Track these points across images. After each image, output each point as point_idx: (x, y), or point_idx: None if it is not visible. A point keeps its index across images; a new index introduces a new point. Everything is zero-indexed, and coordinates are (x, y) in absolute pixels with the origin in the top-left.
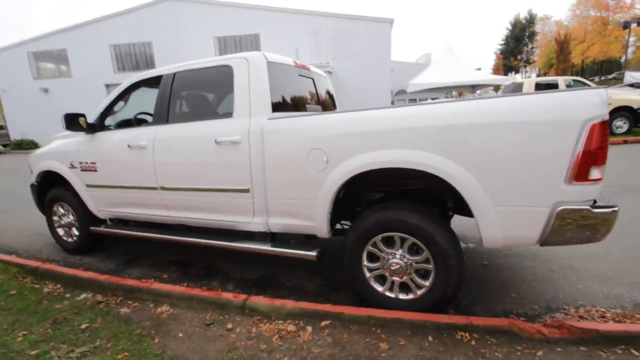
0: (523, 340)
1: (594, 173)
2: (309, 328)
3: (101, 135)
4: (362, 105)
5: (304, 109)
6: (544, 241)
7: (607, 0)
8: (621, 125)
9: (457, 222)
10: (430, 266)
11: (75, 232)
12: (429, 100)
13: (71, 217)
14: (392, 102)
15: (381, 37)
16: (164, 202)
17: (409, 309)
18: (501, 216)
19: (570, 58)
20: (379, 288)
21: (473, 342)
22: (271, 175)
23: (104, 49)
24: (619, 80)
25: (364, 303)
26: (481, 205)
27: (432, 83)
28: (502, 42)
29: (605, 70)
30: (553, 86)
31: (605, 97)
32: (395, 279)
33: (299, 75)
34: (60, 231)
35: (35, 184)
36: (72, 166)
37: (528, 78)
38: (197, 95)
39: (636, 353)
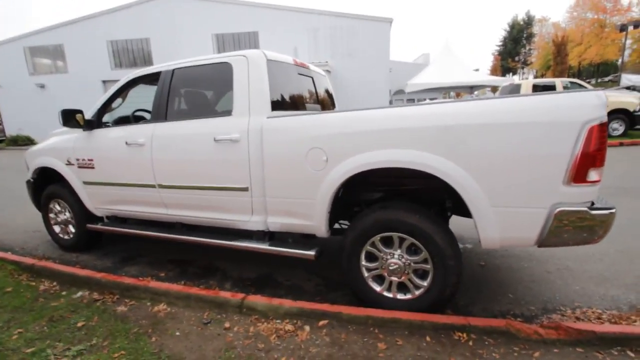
0: (520, 340)
1: (592, 175)
2: (307, 327)
3: (99, 132)
4: (360, 105)
5: (303, 108)
6: (542, 242)
7: (605, 3)
8: (617, 127)
9: (455, 223)
10: (429, 266)
11: (71, 229)
12: (427, 101)
13: (68, 214)
14: (390, 102)
15: (380, 36)
16: (162, 200)
17: (406, 309)
18: (499, 217)
19: (568, 60)
20: (377, 288)
21: (470, 343)
22: (270, 174)
23: (101, 45)
24: (615, 83)
25: (362, 303)
26: (480, 206)
27: (431, 83)
28: (500, 43)
29: (602, 72)
30: (550, 88)
31: (604, 100)
32: (394, 279)
33: (299, 73)
34: (57, 228)
35: (32, 180)
36: (69, 163)
37: (525, 79)
38: (196, 93)
39: (632, 354)
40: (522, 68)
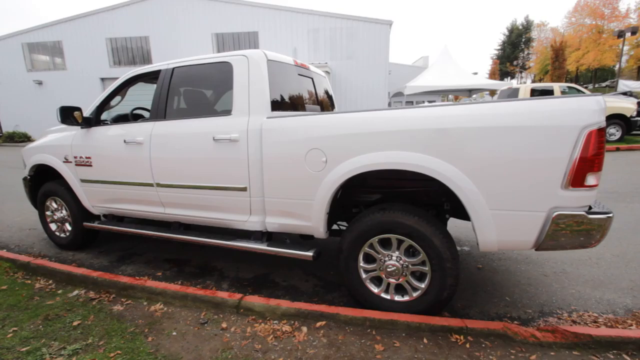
0: (517, 343)
1: (590, 179)
2: (304, 328)
3: (97, 130)
4: (359, 106)
5: (303, 109)
6: (539, 246)
7: (603, 9)
8: (614, 132)
9: (452, 225)
10: (426, 268)
11: (68, 227)
12: (426, 103)
13: (64, 212)
14: (389, 104)
15: (379, 38)
16: (160, 199)
17: (404, 311)
18: (497, 220)
19: (565, 65)
20: (375, 289)
21: (467, 345)
22: (269, 174)
23: (100, 42)
24: (612, 88)
25: (360, 304)
26: (478, 208)
27: (429, 86)
28: (499, 47)
29: (599, 78)
30: (548, 92)
31: (603, 105)
32: (391, 280)
33: (299, 74)
34: (53, 226)
35: (28, 177)
36: (67, 160)
37: (524, 84)
38: (195, 92)
39: (628, 358)
40: (521, 72)
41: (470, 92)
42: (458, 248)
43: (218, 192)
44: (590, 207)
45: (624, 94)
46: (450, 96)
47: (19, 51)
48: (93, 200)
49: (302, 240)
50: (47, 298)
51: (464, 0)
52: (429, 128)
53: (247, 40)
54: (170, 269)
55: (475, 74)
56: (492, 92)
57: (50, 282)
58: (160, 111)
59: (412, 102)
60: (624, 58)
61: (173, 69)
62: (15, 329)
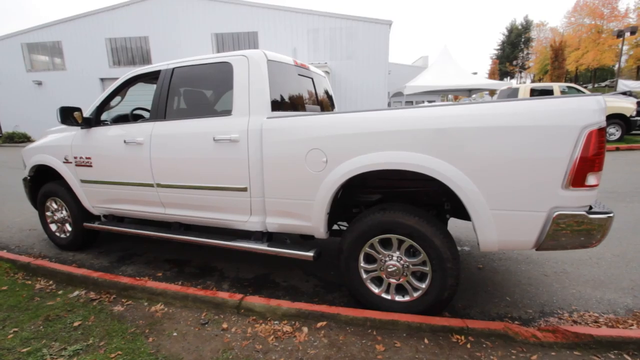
0: (518, 343)
1: (591, 179)
2: (305, 329)
3: (97, 130)
4: (359, 107)
5: (303, 109)
6: (540, 246)
7: (602, 9)
8: (614, 132)
9: (453, 226)
10: (427, 269)
11: (68, 228)
12: (426, 103)
13: (64, 212)
14: (389, 104)
15: (379, 38)
16: (160, 199)
17: (405, 311)
18: (498, 220)
19: (565, 65)
20: (375, 290)
21: (468, 345)
22: (269, 174)
23: (99, 43)
24: (612, 88)
25: (360, 304)
26: (479, 208)
27: (429, 86)
28: (498, 47)
29: (599, 77)
30: (548, 92)
31: (603, 105)
32: (392, 281)
33: (299, 74)
34: (53, 227)
35: (28, 178)
36: (67, 161)
37: (523, 83)
38: (195, 92)
39: (629, 358)
40: (520, 72)
41: (469, 92)
42: (458, 248)
43: (218, 193)
44: (590, 207)
45: (624, 93)
46: (449, 96)
47: (18, 51)
48: (93, 200)
49: (303, 240)
50: (48, 299)
51: (464, 0)
52: (429, 128)
53: (246, 40)
54: (171, 269)
55: (475, 73)
56: (492, 92)
57: (51, 282)
58: (160, 111)
59: (411, 102)
60: (624, 58)
61: (173, 69)
62: (15, 329)
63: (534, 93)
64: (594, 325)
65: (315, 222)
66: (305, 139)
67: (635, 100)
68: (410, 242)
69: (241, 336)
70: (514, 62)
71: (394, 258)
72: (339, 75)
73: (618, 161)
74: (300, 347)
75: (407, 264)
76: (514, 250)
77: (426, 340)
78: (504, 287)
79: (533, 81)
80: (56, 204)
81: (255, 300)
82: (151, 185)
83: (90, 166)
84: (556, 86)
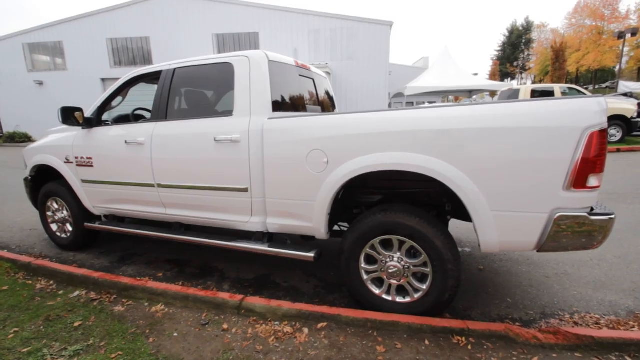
0: (519, 345)
1: (592, 181)
2: (306, 330)
3: (98, 131)
4: (359, 107)
5: (304, 109)
6: (541, 247)
7: (603, 11)
8: (614, 133)
9: (454, 227)
10: (428, 270)
11: (69, 228)
12: (427, 104)
13: (65, 212)
14: (390, 105)
15: (380, 39)
16: (161, 200)
17: (405, 312)
18: (499, 221)
19: (566, 66)
20: (376, 291)
21: (469, 347)
22: (270, 175)
23: (100, 43)
24: (612, 90)
25: (361, 305)
26: (480, 209)
27: (430, 87)
28: (499, 48)
29: (600, 79)
30: (549, 93)
31: (604, 106)
32: (393, 282)
33: (300, 75)
34: (54, 227)
35: (29, 178)
36: (68, 161)
37: (524, 85)
38: (196, 93)
39: None
40: (521, 73)
41: (470, 93)
42: (459, 249)
43: (219, 193)
44: (592, 209)
45: (625, 95)
46: (450, 97)
47: (19, 51)
48: (94, 200)
49: (303, 241)
50: (48, 299)
51: (464, 1)
52: (430, 129)
53: (247, 40)
54: (171, 269)
55: (476, 74)
56: (493, 93)
57: (51, 282)
58: (161, 112)
59: (412, 103)
60: (624, 59)
61: (174, 69)
62: (16, 329)
63: (535, 94)
64: (595, 327)
65: (316, 223)
66: (306, 140)
67: (636, 101)
68: (411, 243)
69: (242, 337)
70: (515, 63)
71: (395, 259)
72: (339, 76)
73: (619, 162)
74: (300, 348)
75: (407, 265)
76: (515, 251)
77: (427, 342)
78: (505, 288)
79: (534, 82)
80: (57, 204)
81: (255, 301)
82: (152, 186)
83: (92, 166)
84: (557, 87)
